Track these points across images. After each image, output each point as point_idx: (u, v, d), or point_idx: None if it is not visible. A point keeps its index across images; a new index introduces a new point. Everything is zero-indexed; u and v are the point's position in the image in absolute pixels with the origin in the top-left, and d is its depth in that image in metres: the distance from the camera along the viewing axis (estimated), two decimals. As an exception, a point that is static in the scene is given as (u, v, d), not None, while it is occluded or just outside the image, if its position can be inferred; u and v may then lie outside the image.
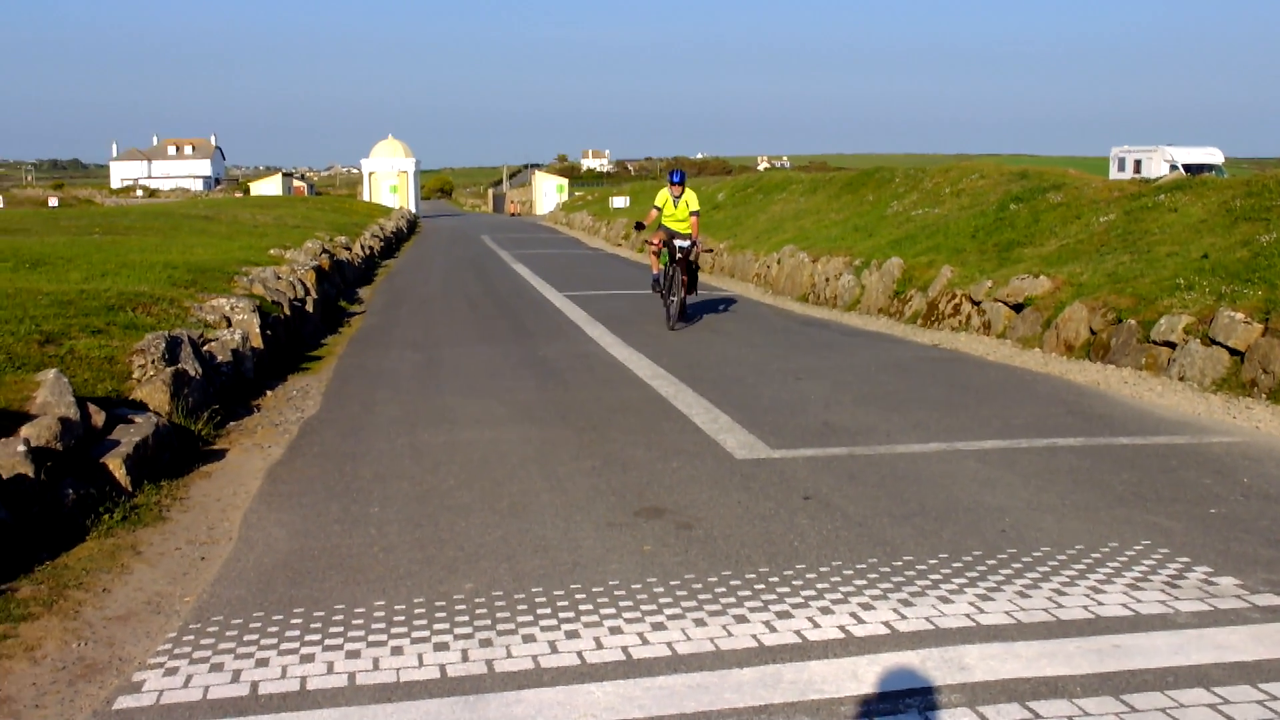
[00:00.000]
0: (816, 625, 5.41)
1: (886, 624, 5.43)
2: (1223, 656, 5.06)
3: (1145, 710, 4.54)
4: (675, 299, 16.94)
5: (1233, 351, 11.74)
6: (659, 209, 17.58)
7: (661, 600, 5.73)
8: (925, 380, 12.53)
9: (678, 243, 16.95)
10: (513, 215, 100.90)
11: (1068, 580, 6.03)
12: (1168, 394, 11.49)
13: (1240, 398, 11.08)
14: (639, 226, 18.98)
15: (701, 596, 5.78)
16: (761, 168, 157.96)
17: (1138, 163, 49.31)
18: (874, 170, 30.62)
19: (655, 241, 17.89)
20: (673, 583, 5.98)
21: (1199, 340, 12.15)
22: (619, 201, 58.74)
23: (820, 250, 23.31)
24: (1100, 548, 6.57)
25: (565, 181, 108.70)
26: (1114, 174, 46.18)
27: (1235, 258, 13.87)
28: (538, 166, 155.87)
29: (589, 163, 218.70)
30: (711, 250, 26.88)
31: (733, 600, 5.73)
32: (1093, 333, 13.88)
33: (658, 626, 5.39)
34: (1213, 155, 49.82)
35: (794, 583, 5.98)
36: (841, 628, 5.38)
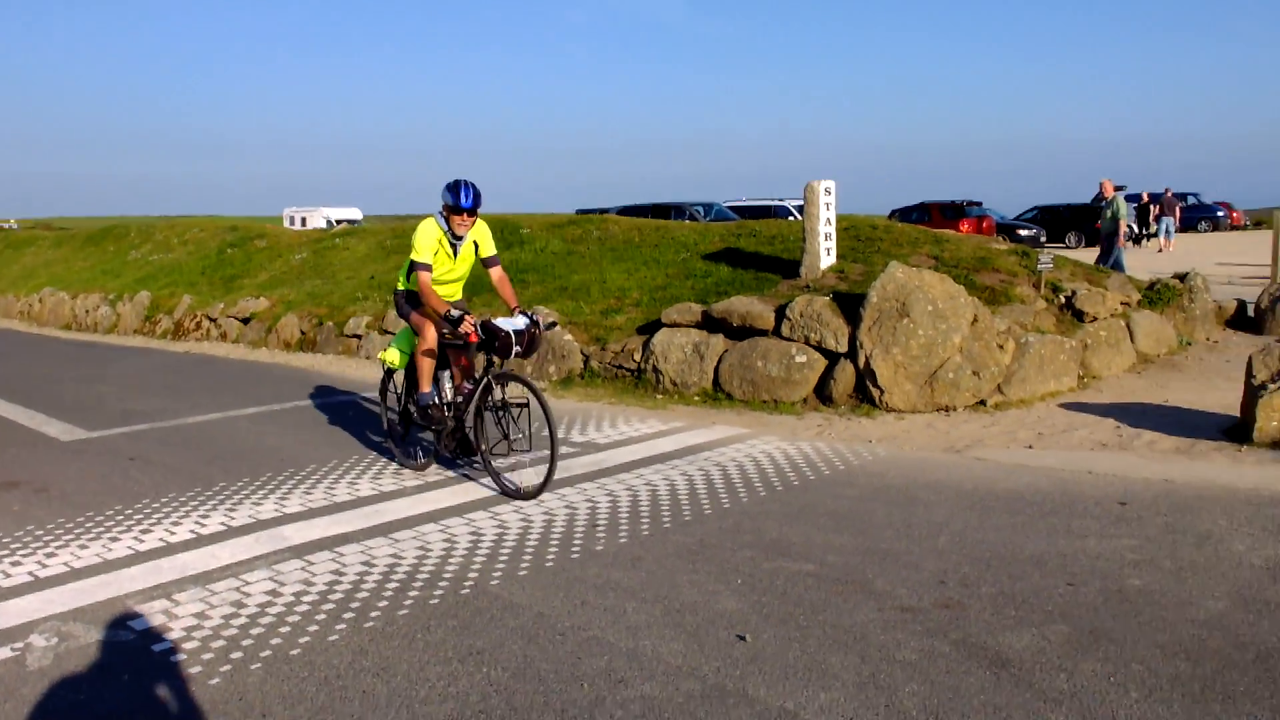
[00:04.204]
0: (173, 533, 5.60)
1: (223, 524, 5.77)
2: (438, 505, 6.09)
3: (404, 540, 5.43)
4: (523, 450, 6.42)
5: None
6: (427, 265, 6.36)
7: (47, 539, 5.52)
8: (190, 376, 12.37)
9: (504, 324, 6.14)
10: None
11: (334, 480, 6.72)
12: (361, 368, 12.49)
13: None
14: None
15: (77, 532, 5.65)
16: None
17: (304, 219, 49.75)
18: (111, 227, 28.29)
19: (442, 331, 6.46)
20: (49, 526, 5.76)
21: (377, 332, 13.32)
22: None
23: (77, 289, 21.32)
24: (347, 460, 7.32)
25: None
26: (287, 226, 46.43)
27: (392, 278, 15.27)
28: None
29: None
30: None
31: (103, 529, 5.70)
32: (303, 333, 14.52)
33: (50, 555, 5.25)
34: (355, 213, 51.97)
35: (144, 511, 6.05)
36: (192, 531, 5.63)
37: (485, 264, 6.71)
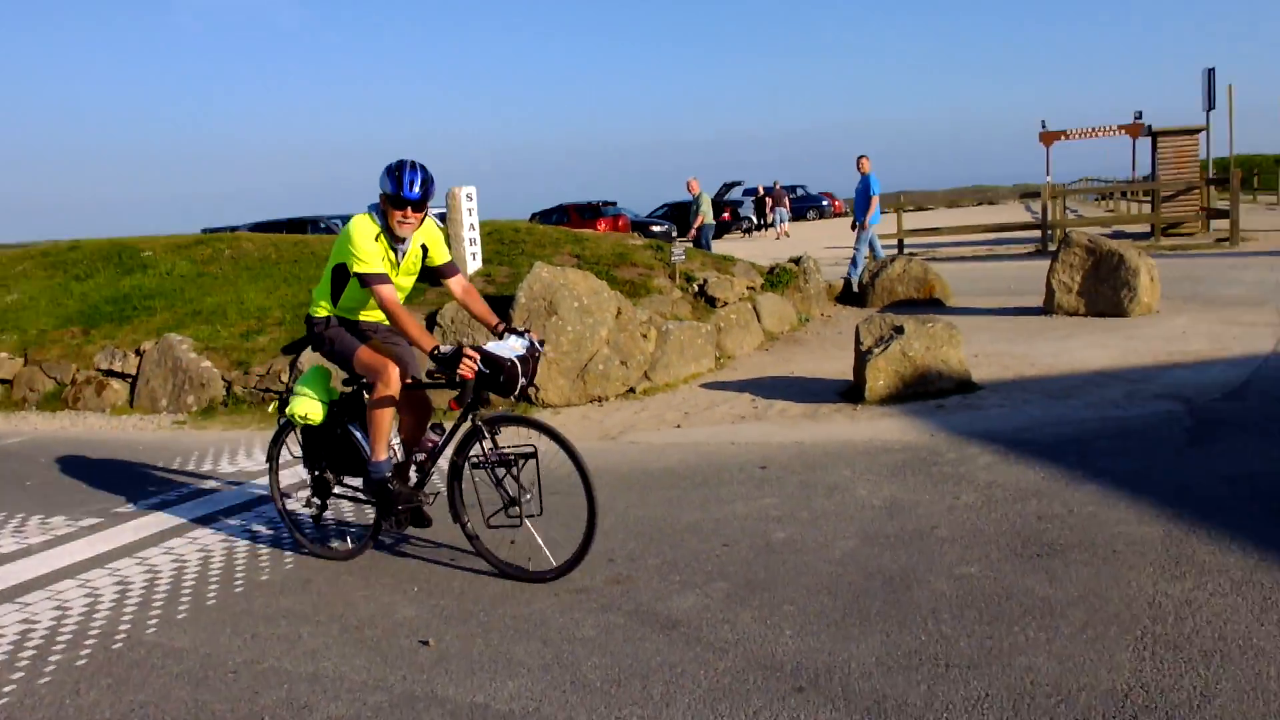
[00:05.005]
0: None
1: None
2: (74, 559, 5.54)
3: (37, 602, 4.91)
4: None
5: (4, 381, 11.63)
6: (383, 276, 4.61)
7: None
8: None
9: (503, 352, 4.53)
10: None
11: (-61, 549, 5.93)
12: (-41, 421, 10.99)
13: (19, 411, 11.07)
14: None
15: None
16: None
17: None
18: None
19: (388, 377, 4.75)
20: None
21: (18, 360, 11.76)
22: None
23: None
24: (-46, 524, 6.48)
25: None
26: None
27: (9, 303, 13.55)
28: None
29: None
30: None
31: None
32: (-123, 388, 12.52)
33: None
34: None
35: None
36: None
37: (440, 274, 4.95)
